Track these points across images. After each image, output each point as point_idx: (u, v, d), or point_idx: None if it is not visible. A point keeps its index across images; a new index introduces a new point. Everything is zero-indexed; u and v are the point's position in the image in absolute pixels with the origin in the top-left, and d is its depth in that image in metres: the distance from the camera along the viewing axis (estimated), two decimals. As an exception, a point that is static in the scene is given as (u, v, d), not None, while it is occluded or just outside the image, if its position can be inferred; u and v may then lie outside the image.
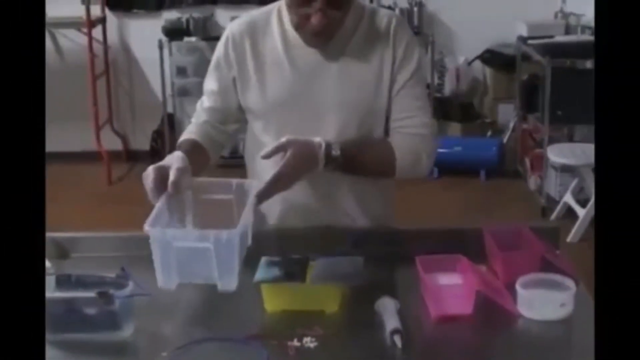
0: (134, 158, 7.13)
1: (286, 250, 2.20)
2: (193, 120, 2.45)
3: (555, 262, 2.16)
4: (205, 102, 2.44)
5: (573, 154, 5.53)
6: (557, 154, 5.57)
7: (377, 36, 2.31)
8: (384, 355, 1.83)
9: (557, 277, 2.05)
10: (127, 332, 1.90)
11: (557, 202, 5.80)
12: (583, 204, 5.48)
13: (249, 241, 2.08)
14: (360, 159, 2.29)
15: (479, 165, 6.58)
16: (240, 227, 1.93)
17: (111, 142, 6.95)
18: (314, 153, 2.19)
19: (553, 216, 5.74)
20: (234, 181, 2.15)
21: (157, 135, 7.02)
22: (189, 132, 2.39)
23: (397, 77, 2.31)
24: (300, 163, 2.17)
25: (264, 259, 2.11)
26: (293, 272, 2.04)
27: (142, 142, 7.17)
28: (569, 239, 5.27)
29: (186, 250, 1.92)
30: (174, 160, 2.11)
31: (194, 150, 2.29)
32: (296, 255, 2.12)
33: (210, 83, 2.44)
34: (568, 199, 5.64)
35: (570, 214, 5.63)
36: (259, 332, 1.90)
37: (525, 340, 1.93)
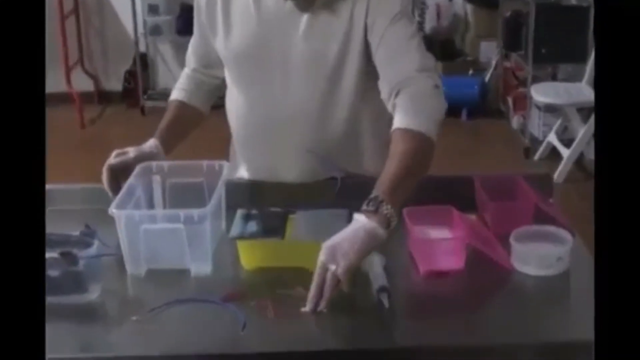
0: (106, 99, 6.94)
1: (264, 203, 2.07)
2: (185, 68, 2.40)
3: (550, 213, 2.04)
4: (190, 46, 2.37)
5: (557, 93, 5.40)
6: (541, 93, 5.43)
7: None
8: (371, 315, 1.70)
9: (553, 229, 1.94)
10: (93, 294, 1.77)
11: (541, 142, 5.69)
12: (567, 144, 5.37)
13: (223, 224, 1.97)
14: (404, 186, 1.86)
15: (460, 104, 6.43)
16: (212, 205, 1.83)
17: (82, 83, 6.75)
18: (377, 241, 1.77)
19: (536, 156, 5.64)
20: (205, 163, 2.07)
21: (130, 75, 6.84)
22: (178, 90, 2.35)
23: (375, 24, 2.05)
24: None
25: (239, 212, 1.97)
26: (272, 226, 1.91)
27: (114, 83, 6.97)
28: (553, 180, 5.17)
29: (155, 233, 1.83)
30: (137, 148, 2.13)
31: (179, 117, 2.29)
32: (275, 208, 1.99)
33: (194, 27, 2.33)
34: (552, 139, 5.53)
35: (554, 154, 5.53)
36: (236, 292, 1.77)
37: (520, 297, 1.82)
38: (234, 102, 2.25)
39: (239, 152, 2.33)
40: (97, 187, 2.10)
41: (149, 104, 6.62)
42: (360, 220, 1.75)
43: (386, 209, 1.76)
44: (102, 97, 6.98)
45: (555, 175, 5.20)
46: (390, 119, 2.00)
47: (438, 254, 1.85)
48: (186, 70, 2.38)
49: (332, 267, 1.68)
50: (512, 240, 1.88)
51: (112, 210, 1.80)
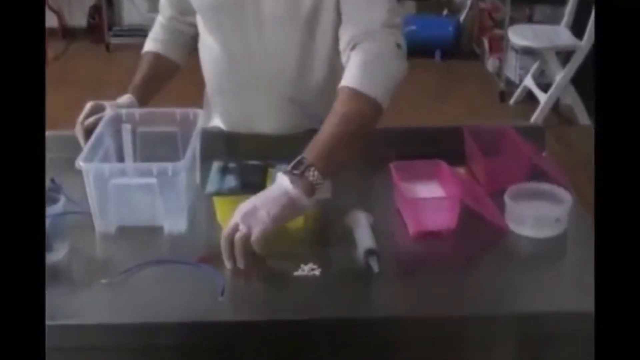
0: (70, 35, 6.78)
1: (241, 155, 1.94)
2: (159, 17, 2.23)
3: (545, 169, 1.93)
4: None
5: (535, 35, 5.26)
6: (519, 35, 5.29)
7: None
8: (358, 279, 1.59)
9: (549, 187, 1.83)
10: (59, 254, 1.64)
11: (517, 86, 5.58)
12: (544, 88, 5.25)
13: (197, 179, 1.86)
14: (339, 153, 1.73)
15: (434, 45, 6.31)
16: (188, 159, 1.71)
17: (46, 19, 6.53)
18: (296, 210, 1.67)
19: (512, 100, 5.54)
20: (178, 111, 1.93)
21: (95, 10, 6.72)
22: (152, 40, 2.20)
23: None
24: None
25: (216, 165, 1.84)
26: (251, 181, 1.78)
27: (78, 18, 6.81)
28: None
29: (126, 188, 1.70)
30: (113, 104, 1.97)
31: (154, 71, 2.15)
32: (253, 161, 1.86)
33: None
34: (528, 82, 5.42)
35: (529, 98, 5.42)
36: (213, 253, 1.64)
37: (516, 260, 1.71)
38: (208, 52, 2.11)
39: (214, 103, 2.19)
40: (62, 134, 1.97)
41: (114, 40, 6.44)
42: (284, 184, 1.63)
43: (312, 175, 1.64)
44: (66, 33, 6.81)
45: (532, 120, 5.10)
46: None
47: (429, 214, 1.73)
48: (160, 19, 2.22)
49: (244, 230, 1.57)
50: (507, 198, 1.77)
51: (80, 163, 1.66)
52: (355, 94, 1.77)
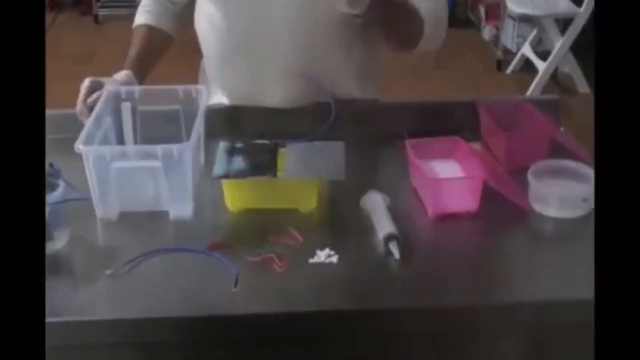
0: (58, 6, 6.60)
1: (248, 132, 1.85)
2: None
3: (565, 144, 1.85)
4: None
5: (533, 3, 5.14)
6: (517, 2, 5.17)
7: None
8: (378, 266, 1.50)
9: (572, 164, 1.74)
10: (59, 243, 1.55)
11: (514, 54, 5.47)
12: (542, 56, 5.15)
13: (202, 157, 1.76)
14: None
15: (428, 13, 6.18)
16: (194, 140, 1.61)
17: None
18: None
19: (509, 69, 5.43)
20: (180, 88, 1.82)
21: (82, -20, 6.50)
22: (143, 13, 2.09)
23: None
24: None
25: (222, 146, 1.74)
26: (261, 162, 1.69)
27: (66, -12, 6.63)
28: (528, 94, 4.98)
29: (128, 172, 1.61)
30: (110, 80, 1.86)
31: (149, 44, 2.04)
32: (262, 140, 1.76)
33: None
34: (526, 51, 5.31)
35: (527, 66, 5.32)
36: (223, 239, 1.55)
37: (543, 243, 1.63)
38: (208, 20, 2.01)
39: (215, 76, 2.09)
40: (59, 112, 1.86)
41: (102, 12, 6.31)
42: None
43: None
44: (53, 4, 6.62)
45: (530, 90, 5.02)
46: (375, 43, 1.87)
47: (450, 195, 1.64)
48: None
49: None
50: (530, 177, 1.68)
51: (79, 146, 1.56)
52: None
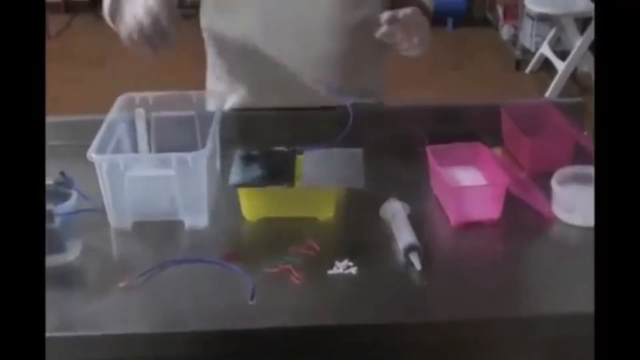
0: (73, 9, 6.61)
1: (264, 137, 1.81)
2: None
3: (591, 149, 1.79)
4: None
5: (552, 2, 5.10)
6: (536, 1, 5.12)
7: None
8: (398, 277, 1.46)
9: (598, 170, 1.68)
10: (71, 254, 1.51)
11: (533, 54, 5.42)
12: (561, 56, 5.10)
13: (218, 166, 1.73)
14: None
15: (445, 13, 6.15)
16: (209, 147, 1.57)
17: (47, -8, 6.39)
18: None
19: (528, 69, 5.39)
20: (194, 93, 1.80)
21: (97, -18, 6.47)
22: None
23: None
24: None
25: (238, 154, 1.70)
26: (278, 170, 1.64)
27: (82, -10, 6.65)
28: (547, 95, 4.93)
29: (142, 180, 1.57)
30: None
31: None
32: (278, 146, 1.72)
33: None
34: (545, 50, 5.26)
35: (546, 66, 5.27)
36: (239, 249, 1.51)
37: (567, 252, 1.57)
38: (228, 27, 1.94)
39: (228, 78, 2.03)
40: (71, 119, 1.83)
41: (118, 14, 6.28)
42: None
43: None
44: (69, 6, 6.65)
45: (550, 90, 4.97)
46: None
47: (473, 204, 1.59)
48: None
49: None
50: (554, 184, 1.63)
51: (91, 155, 1.53)
52: None
